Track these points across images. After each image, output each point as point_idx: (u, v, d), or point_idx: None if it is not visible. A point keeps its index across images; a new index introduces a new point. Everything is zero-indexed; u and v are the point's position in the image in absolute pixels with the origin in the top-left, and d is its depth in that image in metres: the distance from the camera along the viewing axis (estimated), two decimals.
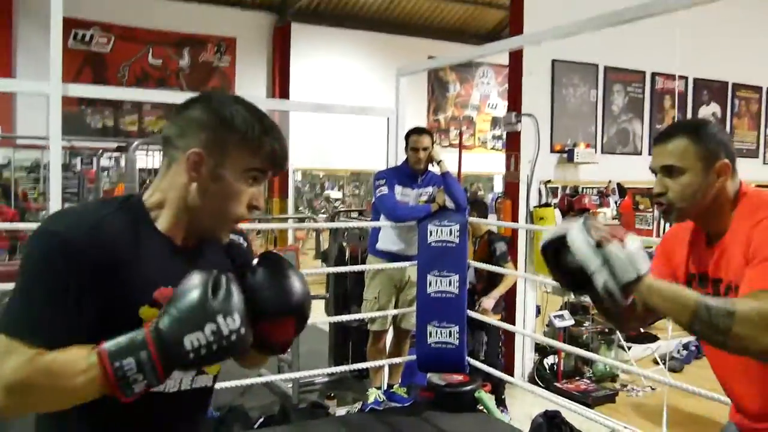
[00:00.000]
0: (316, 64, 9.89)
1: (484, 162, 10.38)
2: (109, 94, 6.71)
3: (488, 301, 4.53)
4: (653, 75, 6.47)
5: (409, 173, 3.99)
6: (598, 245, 1.37)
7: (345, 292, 5.01)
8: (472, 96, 11.19)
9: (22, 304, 1.02)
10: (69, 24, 9.06)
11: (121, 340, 1.00)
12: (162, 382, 1.04)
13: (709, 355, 1.66)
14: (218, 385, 1.40)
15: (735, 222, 1.50)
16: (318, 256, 9.19)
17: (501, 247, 4.64)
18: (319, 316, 4.95)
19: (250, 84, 9.68)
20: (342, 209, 9.22)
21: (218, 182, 1.13)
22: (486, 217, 5.03)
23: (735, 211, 1.52)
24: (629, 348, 6.04)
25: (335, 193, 11.97)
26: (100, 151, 9.47)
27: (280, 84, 9.49)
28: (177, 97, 7.97)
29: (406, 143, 3.97)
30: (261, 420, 3.83)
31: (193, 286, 1.03)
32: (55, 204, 3.67)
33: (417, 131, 3.93)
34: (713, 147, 1.51)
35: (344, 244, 5.37)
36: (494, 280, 4.65)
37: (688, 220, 1.59)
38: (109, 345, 1.00)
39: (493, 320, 4.43)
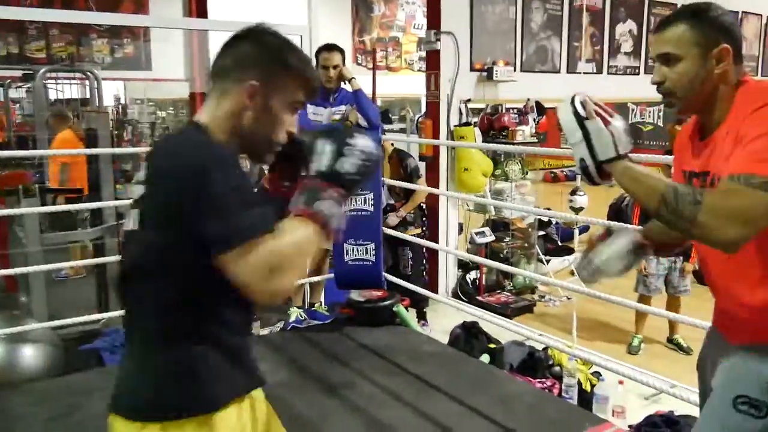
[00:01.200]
0: None
1: (412, 84, 10.29)
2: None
3: (392, 218, 4.64)
4: None
5: (321, 92, 3.93)
6: (584, 119, 1.40)
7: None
8: (397, 16, 11.00)
9: (235, 213, 1.14)
10: None
11: (307, 197, 1.21)
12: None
13: (705, 253, 1.58)
14: None
15: (731, 113, 1.43)
16: None
17: (411, 163, 4.71)
18: None
19: (165, 3, 9.19)
20: None
21: (268, 111, 1.29)
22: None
23: (733, 102, 1.44)
24: (548, 261, 6.28)
25: None
26: (8, 81, 8.94)
27: (196, 4, 9.06)
28: (57, 16, 7.54)
29: (317, 61, 3.89)
30: None
31: (317, 140, 1.25)
32: None
33: (326, 48, 3.84)
34: (712, 31, 1.45)
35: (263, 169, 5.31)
36: (411, 195, 4.74)
37: (693, 111, 1.54)
38: (304, 206, 1.20)
39: (409, 237, 4.51)
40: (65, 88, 9.27)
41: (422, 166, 5.80)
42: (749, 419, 1.44)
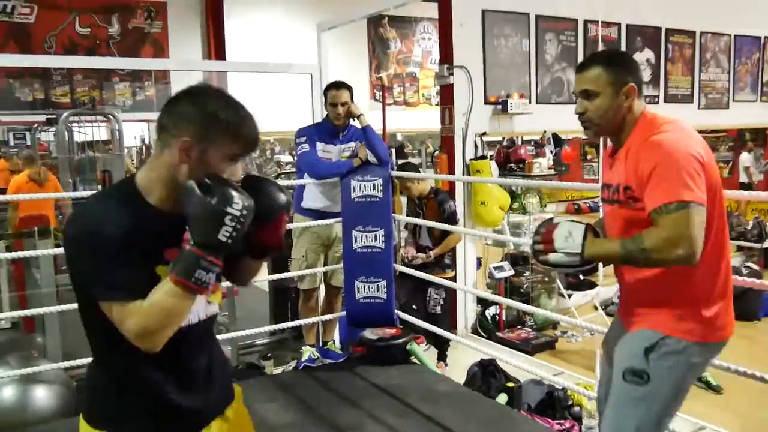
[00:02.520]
0: (251, 24, 9.64)
1: (430, 118, 10.32)
2: (18, 62, 6.43)
3: (417, 259, 4.49)
4: (585, 22, 6.46)
5: (330, 129, 3.92)
6: (545, 263, 1.86)
7: (281, 254, 4.96)
8: (413, 52, 11.08)
9: (108, 278, 1.31)
10: None
11: (181, 264, 1.31)
12: (220, 269, 1.37)
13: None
14: None
15: (631, 137, 1.81)
16: None
17: (450, 207, 4.58)
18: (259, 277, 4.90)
19: (184, 49, 9.40)
20: (288, 171, 9.13)
21: (204, 164, 1.37)
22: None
23: (634, 129, 1.81)
24: (569, 296, 6.15)
25: (286, 157, 11.83)
26: (36, 125, 9.16)
27: (215, 47, 9.24)
28: (82, 62, 7.73)
29: (325, 99, 3.90)
30: None
31: (192, 197, 1.31)
32: None
33: (335, 86, 3.85)
34: (622, 73, 1.81)
35: None
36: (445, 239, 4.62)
37: (604, 134, 1.91)
38: (176, 271, 1.31)
39: (437, 278, 4.41)
40: (89, 131, 9.46)
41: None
42: (634, 387, 1.78)
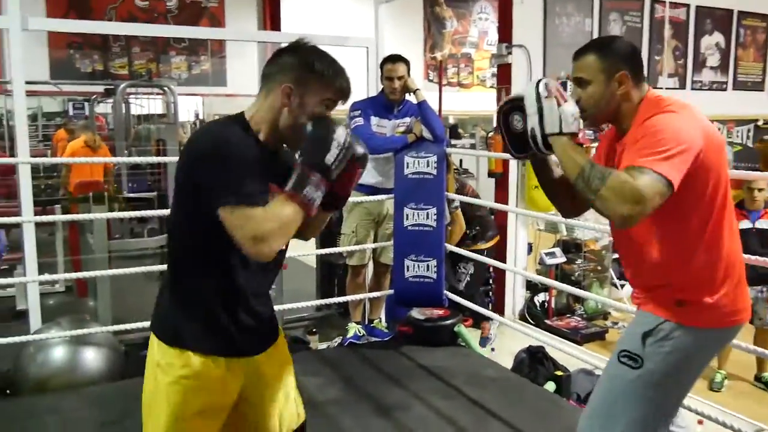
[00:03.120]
0: (309, 2, 9.60)
1: (484, 101, 10.12)
2: (74, 28, 6.49)
3: None
4: (653, 2, 6.20)
5: (385, 104, 3.84)
6: (542, 96, 1.71)
7: (330, 230, 4.93)
8: (470, 32, 10.85)
9: (233, 186, 1.45)
10: None
11: (294, 181, 1.48)
12: (324, 191, 1.52)
13: (615, 238, 1.97)
14: None
15: (634, 122, 1.75)
16: None
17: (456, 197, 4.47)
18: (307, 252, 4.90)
19: (241, 23, 9.41)
20: None
21: (302, 107, 1.57)
22: None
23: (636, 114, 1.76)
24: (622, 286, 5.96)
25: None
26: (94, 96, 9.32)
27: (271, 22, 9.22)
28: (140, 29, 7.81)
29: (381, 72, 3.81)
30: None
31: (309, 132, 1.54)
32: (23, 152, 3.48)
33: (391, 59, 3.76)
34: (615, 60, 1.77)
35: None
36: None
37: (601, 123, 1.91)
38: (289, 188, 1.48)
39: (474, 254, 4.33)
40: (145, 103, 9.60)
41: (491, 183, 5.64)
42: (627, 369, 1.76)
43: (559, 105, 1.70)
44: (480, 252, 4.62)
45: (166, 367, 1.58)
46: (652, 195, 1.54)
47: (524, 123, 1.77)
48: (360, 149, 1.60)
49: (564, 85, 1.87)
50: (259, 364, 1.67)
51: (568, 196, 1.92)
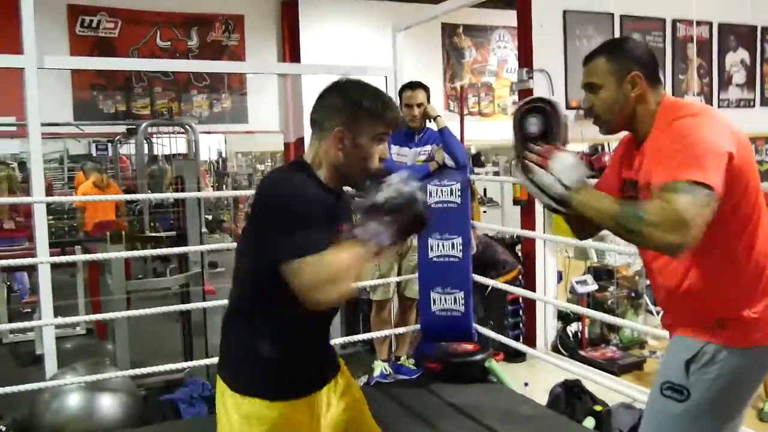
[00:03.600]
0: (327, 36, 9.63)
1: (505, 129, 10.01)
2: (92, 65, 6.54)
3: None
4: (674, 22, 6.08)
5: (405, 132, 3.75)
6: (528, 175, 1.65)
7: None
8: (489, 61, 10.76)
9: (299, 238, 1.43)
10: (76, 10, 8.97)
11: (357, 228, 1.47)
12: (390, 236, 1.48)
13: (644, 258, 1.82)
14: None
15: (654, 128, 1.64)
16: None
17: None
18: None
19: (261, 59, 9.48)
20: None
21: (357, 149, 1.57)
22: None
23: (655, 119, 1.65)
24: (658, 312, 5.73)
25: None
26: (118, 137, 9.42)
27: (290, 57, 9.28)
28: (159, 65, 7.88)
29: (400, 100, 3.73)
30: None
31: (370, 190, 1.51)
32: (38, 191, 3.41)
33: (410, 86, 3.68)
34: (626, 61, 1.67)
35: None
36: None
37: (618, 130, 1.74)
38: (355, 232, 1.46)
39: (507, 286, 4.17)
40: (167, 142, 9.66)
41: (516, 212, 5.50)
42: (673, 403, 1.62)
43: (545, 168, 1.62)
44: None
45: (253, 419, 1.58)
46: (698, 212, 1.42)
47: (540, 125, 1.71)
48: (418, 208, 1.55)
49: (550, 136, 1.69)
50: (329, 396, 1.71)
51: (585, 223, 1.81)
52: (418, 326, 3.84)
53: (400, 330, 3.96)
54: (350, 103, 1.57)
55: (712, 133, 1.53)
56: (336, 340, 4.25)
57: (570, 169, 1.61)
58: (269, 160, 12.38)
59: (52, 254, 3.64)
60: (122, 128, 8.91)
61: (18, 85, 3.67)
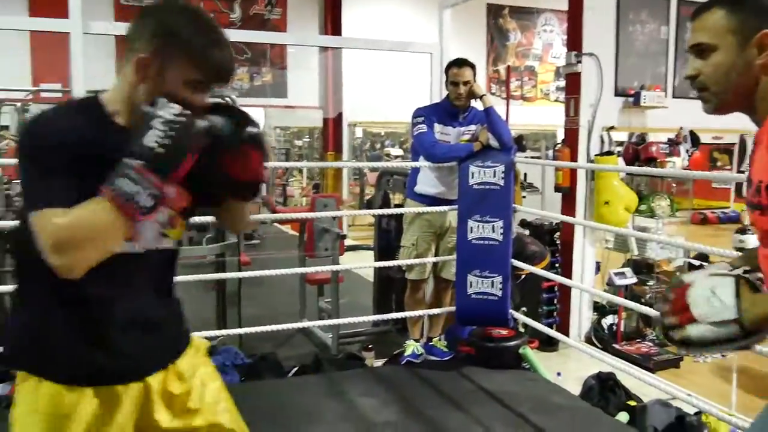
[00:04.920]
0: (369, 12, 9.59)
1: (547, 115, 9.83)
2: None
3: None
4: None
5: (449, 110, 3.67)
6: (680, 332, 1.26)
7: (389, 243, 4.77)
8: (533, 45, 10.62)
9: (39, 185, 1.19)
10: None
11: (111, 176, 1.17)
12: (161, 189, 1.19)
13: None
14: (255, 330, 1.39)
15: None
16: (362, 206, 9.03)
17: None
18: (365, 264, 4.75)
19: (302, 29, 9.49)
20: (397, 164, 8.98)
21: (160, 85, 1.24)
22: None
23: None
24: None
25: (396, 151, 11.72)
26: None
27: (332, 29, 9.28)
28: None
29: (446, 77, 3.64)
30: (294, 369, 3.68)
31: (140, 112, 1.21)
32: None
33: (457, 63, 3.59)
34: (753, 16, 1.24)
35: (389, 192, 5.13)
36: None
37: (731, 108, 1.32)
38: (106, 183, 1.17)
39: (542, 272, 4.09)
40: None
41: (557, 199, 5.38)
42: None
43: (688, 323, 1.25)
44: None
45: (19, 398, 1.32)
46: None
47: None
48: (248, 127, 1.33)
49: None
50: (151, 397, 1.39)
51: None
52: (452, 308, 3.78)
53: (435, 311, 3.91)
54: (165, 28, 1.25)
55: None
56: (368, 318, 4.24)
57: (711, 297, 1.24)
58: (307, 136, 12.39)
59: None
60: None
61: (63, 51, 3.70)
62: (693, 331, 1.25)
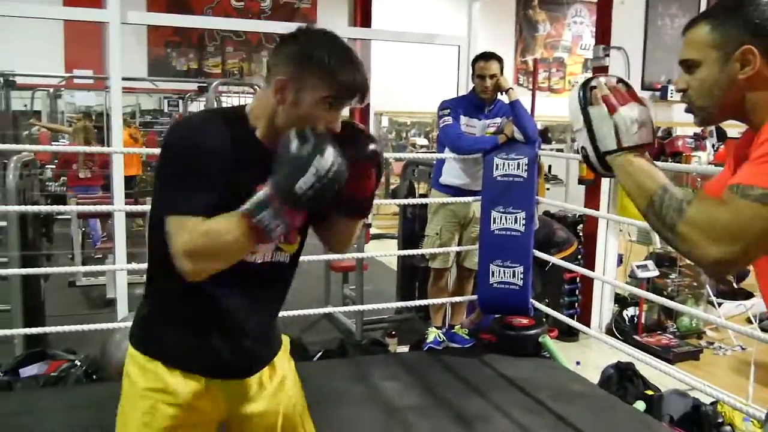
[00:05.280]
0: (400, 2, 9.61)
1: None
2: (171, 22, 6.68)
3: None
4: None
5: (475, 103, 3.73)
6: (587, 104, 1.28)
7: (413, 232, 4.87)
8: (563, 36, 10.54)
9: (182, 190, 1.29)
10: None
11: (253, 201, 1.25)
12: (294, 226, 1.32)
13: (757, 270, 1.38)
14: (282, 314, 1.63)
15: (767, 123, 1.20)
16: (387, 195, 9.10)
17: None
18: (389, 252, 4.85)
19: (331, 23, 9.53)
20: (422, 153, 9.04)
21: (297, 107, 1.33)
22: None
23: None
24: (720, 305, 5.60)
25: (421, 140, 11.78)
26: (188, 94, 9.65)
27: (362, 20, 9.31)
28: (222, 23, 8.01)
29: (473, 70, 3.71)
30: (319, 354, 3.80)
31: (287, 144, 1.26)
32: (116, 143, 3.60)
33: (483, 57, 3.65)
34: (736, 31, 1.22)
35: (414, 182, 5.21)
36: None
37: (718, 121, 1.35)
38: (245, 207, 1.25)
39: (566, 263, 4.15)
40: (236, 101, 9.86)
41: (581, 191, 5.41)
42: None
43: (613, 111, 1.26)
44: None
45: (134, 376, 1.45)
46: (754, 223, 1.08)
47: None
48: (369, 147, 1.40)
49: (626, 85, 1.29)
50: (246, 391, 1.51)
51: None
52: (474, 297, 3.87)
53: (457, 299, 4.00)
54: (302, 52, 1.33)
55: None
56: (391, 304, 4.34)
57: (635, 124, 1.26)
58: None
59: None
60: (194, 86, 9.12)
61: (95, 39, 3.81)
62: (598, 112, 1.27)
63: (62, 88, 9.65)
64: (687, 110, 1.35)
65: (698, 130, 5.62)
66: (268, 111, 1.37)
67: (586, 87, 1.31)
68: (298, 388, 1.65)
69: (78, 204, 6.00)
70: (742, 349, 5.12)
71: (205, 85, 7.98)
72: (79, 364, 3.42)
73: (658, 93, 5.41)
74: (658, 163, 1.34)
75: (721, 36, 1.24)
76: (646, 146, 1.27)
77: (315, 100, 1.33)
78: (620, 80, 1.32)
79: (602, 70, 5.22)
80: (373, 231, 7.07)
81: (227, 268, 1.31)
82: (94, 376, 3.38)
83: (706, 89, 1.27)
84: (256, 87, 8.13)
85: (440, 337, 3.87)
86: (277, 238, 1.32)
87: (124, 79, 3.83)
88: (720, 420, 3.25)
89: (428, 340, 3.87)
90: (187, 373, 1.43)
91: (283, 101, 1.34)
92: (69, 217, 6.50)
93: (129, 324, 3.27)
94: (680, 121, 5.60)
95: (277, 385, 1.56)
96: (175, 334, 1.45)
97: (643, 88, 5.40)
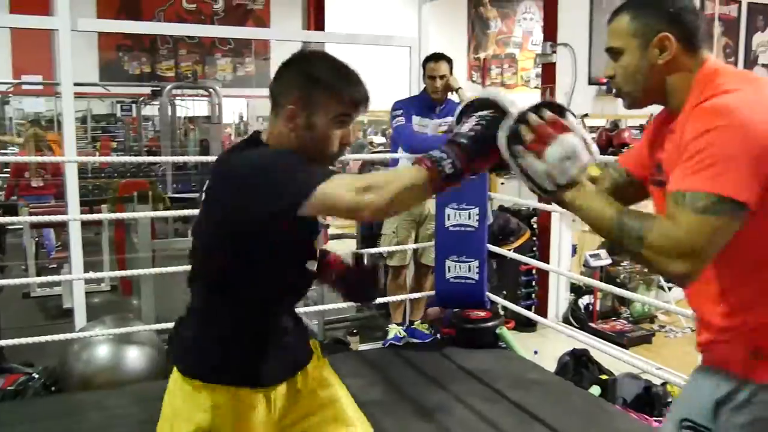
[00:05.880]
0: (353, 3, 9.63)
1: (527, 101, 9.96)
2: (123, 28, 6.63)
3: None
4: (702, 0, 6.03)
5: (427, 103, 3.81)
6: (516, 156, 1.27)
7: (372, 232, 4.92)
8: (514, 33, 10.75)
9: (302, 175, 1.27)
10: None
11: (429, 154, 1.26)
12: (462, 163, 1.24)
13: None
14: None
15: (687, 103, 1.31)
16: None
17: None
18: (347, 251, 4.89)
19: (285, 25, 9.51)
20: (379, 152, 9.09)
21: (312, 130, 1.39)
22: None
23: (690, 93, 1.32)
24: (670, 289, 5.80)
25: (378, 139, 11.83)
26: (141, 98, 9.52)
27: (315, 24, 9.33)
28: (176, 29, 7.93)
29: (423, 71, 3.79)
30: None
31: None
32: (69, 151, 3.56)
33: (433, 58, 3.73)
34: (653, 20, 1.34)
35: None
36: None
37: (644, 104, 1.43)
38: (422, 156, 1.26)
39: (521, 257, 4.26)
40: (191, 105, 9.78)
41: None
42: None
43: (540, 155, 1.25)
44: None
45: (188, 399, 1.45)
46: (709, 237, 1.16)
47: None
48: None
49: (552, 110, 1.29)
50: (295, 385, 1.56)
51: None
52: (432, 292, 3.95)
53: (416, 295, 4.07)
54: (306, 77, 1.38)
55: (747, 119, 1.18)
56: (352, 303, 4.38)
57: (568, 159, 1.26)
58: None
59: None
60: (147, 89, 9.01)
61: (44, 44, 3.76)
62: (528, 159, 1.26)
63: (10, 95, 9.45)
64: (616, 95, 1.47)
65: (643, 121, 5.80)
66: (282, 139, 1.41)
67: (510, 136, 1.27)
68: (337, 380, 1.69)
69: (31, 213, 5.90)
70: (692, 330, 5.31)
71: (158, 88, 7.90)
72: (37, 376, 3.38)
73: (604, 87, 5.56)
74: (607, 157, 1.43)
75: (641, 25, 1.34)
76: (583, 172, 1.28)
77: (328, 120, 1.39)
78: (545, 105, 1.30)
79: (550, 66, 5.35)
80: (331, 231, 7.11)
81: (291, 276, 1.48)
82: (53, 388, 3.36)
83: (630, 75, 1.37)
84: (211, 90, 8.08)
85: (401, 334, 3.94)
86: (449, 178, 1.25)
87: (75, 84, 3.79)
88: (669, 399, 3.38)
89: (389, 337, 3.95)
90: (249, 387, 1.46)
91: (297, 128, 1.39)
92: (21, 227, 6.38)
93: (88, 333, 3.28)
94: (625, 113, 5.78)
95: (317, 381, 1.61)
96: (235, 352, 1.47)
97: (590, 82, 5.53)
